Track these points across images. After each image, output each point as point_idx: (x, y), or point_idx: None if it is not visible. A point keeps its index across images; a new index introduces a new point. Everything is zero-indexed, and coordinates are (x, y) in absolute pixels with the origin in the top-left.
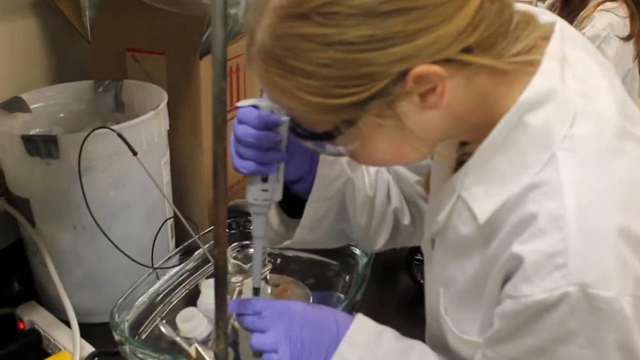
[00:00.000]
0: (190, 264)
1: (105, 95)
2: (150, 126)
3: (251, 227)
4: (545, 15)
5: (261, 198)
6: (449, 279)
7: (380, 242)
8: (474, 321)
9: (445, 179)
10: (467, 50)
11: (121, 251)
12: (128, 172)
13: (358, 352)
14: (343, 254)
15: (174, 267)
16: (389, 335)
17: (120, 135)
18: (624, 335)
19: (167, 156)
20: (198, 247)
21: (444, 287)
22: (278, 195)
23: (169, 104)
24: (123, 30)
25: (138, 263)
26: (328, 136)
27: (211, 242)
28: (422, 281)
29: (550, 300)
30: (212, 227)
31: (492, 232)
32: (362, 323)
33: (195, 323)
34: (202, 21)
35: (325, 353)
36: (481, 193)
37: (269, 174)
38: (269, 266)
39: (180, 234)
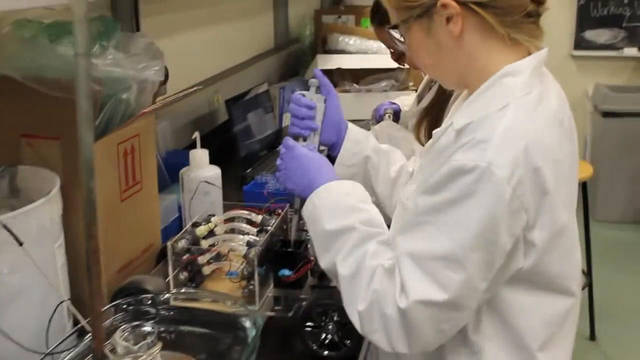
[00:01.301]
0: (83, 346)
1: (0, 181)
2: (42, 213)
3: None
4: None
5: None
6: (421, 177)
7: None
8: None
9: None
10: (479, 4)
11: (10, 339)
12: (19, 259)
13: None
14: (234, 328)
15: (67, 350)
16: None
17: (5, 227)
18: (495, 205)
19: (61, 240)
20: None
21: (416, 185)
22: None
23: (65, 188)
24: (17, 116)
25: (29, 350)
26: (394, 27)
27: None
28: (314, 347)
29: (468, 166)
30: (108, 306)
31: (456, 141)
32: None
33: None
34: (94, 107)
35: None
36: (462, 117)
37: (305, 135)
38: (159, 345)
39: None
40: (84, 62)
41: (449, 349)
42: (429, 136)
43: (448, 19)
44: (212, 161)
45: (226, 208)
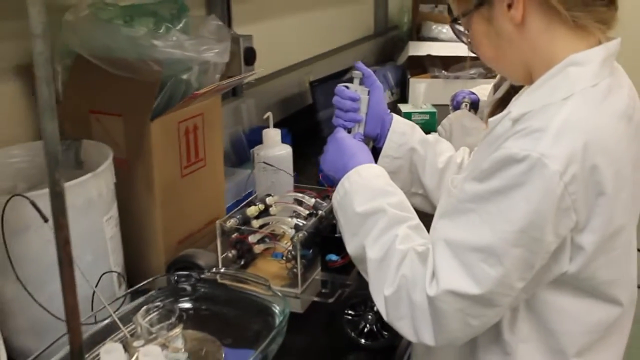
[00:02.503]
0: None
1: (67, 153)
2: (88, 187)
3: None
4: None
5: None
6: (472, 165)
7: None
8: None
9: None
10: None
11: (43, 308)
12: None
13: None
14: (265, 313)
15: (97, 323)
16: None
17: (32, 203)
18: (545, 201)
19: (112, 212)
20: (145, 292)
21: (466, 173)
22: None
23: (126, 161)
24: (88, 93)
25: (57, 317)
26: (455, 19)
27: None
28: (352, 334)
29: (519, 155)
30: (161, 275)
31: (511, 130)
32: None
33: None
34: (153, 86)
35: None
36: (520, 106)
37: (349, 128)
38: (179, 327)
39: (134, 280)
40: (41, 44)
41: (481, 347)
42: None
43: (509, 5)
44: (297, 140)
45: (296, 188)
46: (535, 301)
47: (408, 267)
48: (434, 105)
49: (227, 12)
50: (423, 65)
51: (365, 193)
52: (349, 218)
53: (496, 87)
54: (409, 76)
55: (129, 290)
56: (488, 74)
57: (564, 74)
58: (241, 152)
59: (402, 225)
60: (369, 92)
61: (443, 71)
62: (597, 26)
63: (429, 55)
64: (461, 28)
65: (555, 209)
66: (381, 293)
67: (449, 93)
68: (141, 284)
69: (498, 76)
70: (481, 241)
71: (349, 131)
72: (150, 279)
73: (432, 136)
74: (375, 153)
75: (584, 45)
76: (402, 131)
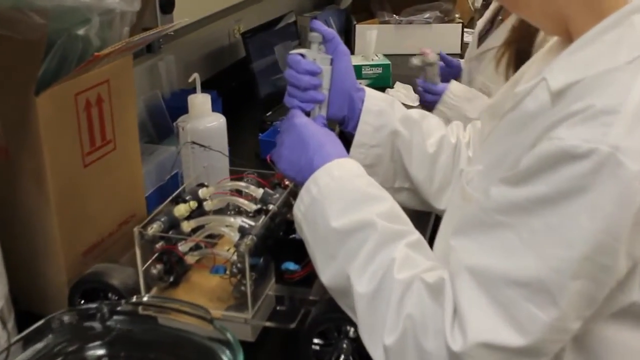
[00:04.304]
0: None
1: None
2: None
3: None
4: None
5: None
6: (494, 154)
7: (444, 202)
8: (486, 180)
9: None
10: None
11: None
12: None
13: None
14: None
15: None
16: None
17: None
18: (619, 215)
19: None
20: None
21: (485, 165)
22: None
23: (5, 150)
24: None
25: None
26: None
27: None
28: None
29: (581, 150)
30: (58, 312)
31: (555, 108)
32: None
33: None
34: (37, 47)
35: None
36: (562, 71)
37: (308, 110)
38: None
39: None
40: None
41: None
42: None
43: None
44: (228, 103)
45: (235, 174)
46: (587, 338)
47: (415, 304)
48: (386, 56)
49: None
50: (369, 9)
51: (342, 200)
52: (322, 236)
53: (480, 36)
54: (354, 22)
55: (13, 342)
56: (445, 17)
57: (627, 25)
58: (162, 124)
59: (399, 243)
60: (331, 61)
61: (394, 15)
62: None
63: None
64: None
65: (631, 222)
66: (378, 340)
67: (401, 40)
68: (26, 331)
69: (479, 25)
70: (525, 272)
71: (308, 114)
72: (41, 322)
73: (416, 111)
74: (344, 140)
75: None
76: (378, 110)
